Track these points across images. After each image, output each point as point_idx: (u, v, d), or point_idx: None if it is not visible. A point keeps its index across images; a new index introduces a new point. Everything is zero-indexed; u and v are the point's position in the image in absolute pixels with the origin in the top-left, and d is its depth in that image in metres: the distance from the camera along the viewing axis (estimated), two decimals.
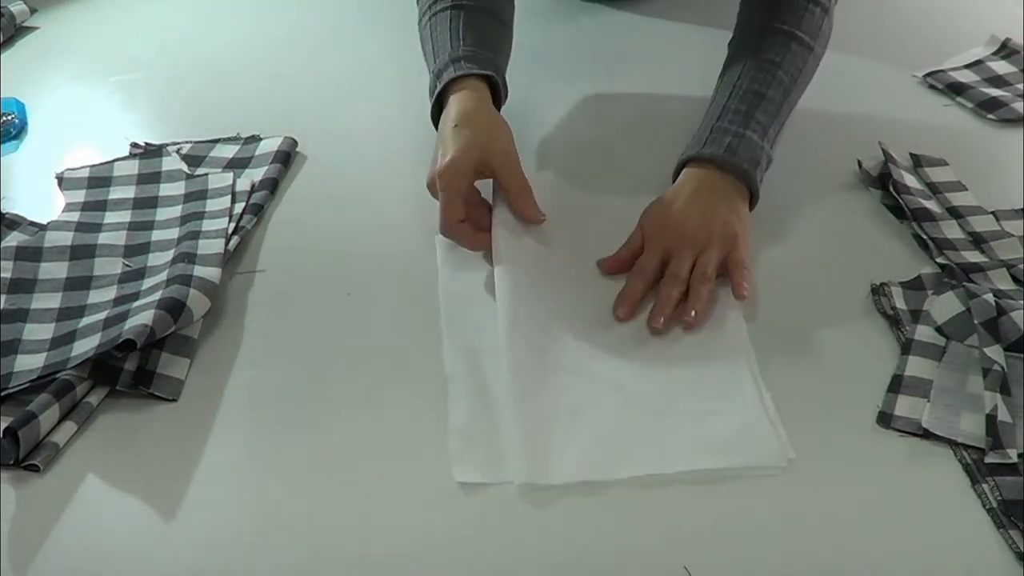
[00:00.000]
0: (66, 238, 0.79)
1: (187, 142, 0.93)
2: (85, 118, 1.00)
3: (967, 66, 1.01)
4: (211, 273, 0.73)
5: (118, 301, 0.73)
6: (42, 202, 0.86)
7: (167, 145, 0.92)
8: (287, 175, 0.90)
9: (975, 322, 0.67)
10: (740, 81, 0.82)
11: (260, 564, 0.57)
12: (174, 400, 0.67)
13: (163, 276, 0.73)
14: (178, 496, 0.61)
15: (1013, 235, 0.79)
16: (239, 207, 0.83)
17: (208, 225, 0.80)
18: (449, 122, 0.76)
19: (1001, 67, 1.01)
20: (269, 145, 0.91)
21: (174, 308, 0.68)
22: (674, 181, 0.79)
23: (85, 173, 0.89)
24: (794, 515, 0.59)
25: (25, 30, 1.15)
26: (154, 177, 0.87)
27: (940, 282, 0.72)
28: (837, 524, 0.58)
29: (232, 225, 0.80)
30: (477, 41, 0.83)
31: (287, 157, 0.91)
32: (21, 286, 0.75)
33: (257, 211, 0.84)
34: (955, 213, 0.82)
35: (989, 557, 0.56)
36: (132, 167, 0.89)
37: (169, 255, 0.77)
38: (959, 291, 0.69)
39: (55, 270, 0.76)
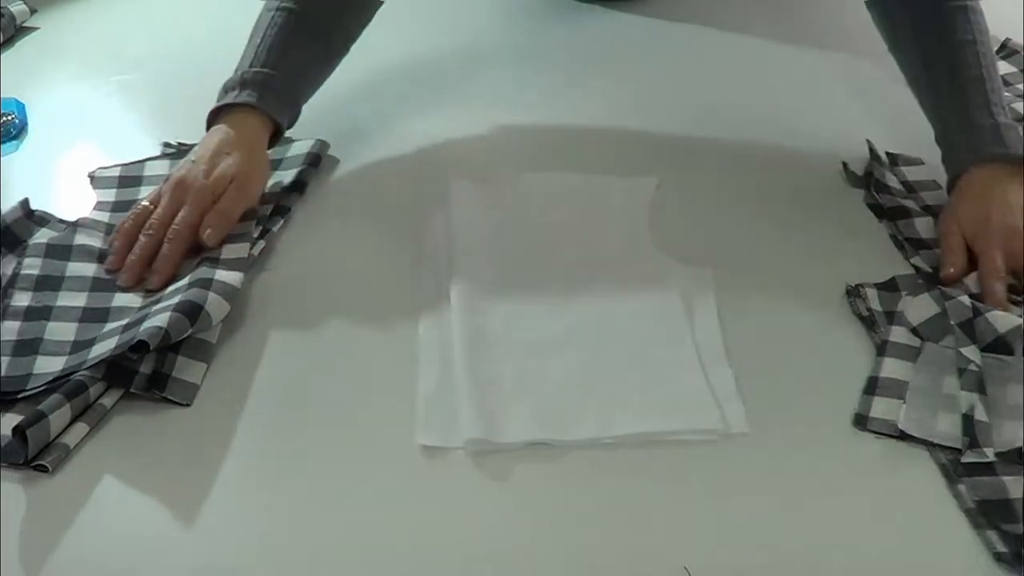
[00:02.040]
0: (95, 239, 0.79)
1: None
2: (85, 118, 1.00)
3: None
4: (233, 277, 0.73)
5: (143, 307, 0.72)
6: (42, 202, 0.86)
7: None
8: (316, 177, 0.89)
9: (951, 323, 0.68)
10: (956, 70, 0.82)
11: (276, 569, 0.57)
12: (187, 405, 0.67)
13: (185, 280, 0.73)
14: (193, 502, 0.60)
15: None
16: (267, 209, 0.83)
17: (235, 228, 0.79)
18: (224, 143, 0.79)
19: (1001, 67, 1.00)
20: (301, 147, 0.90)
21: (192, 311, 0.68)
22: (949, 190, 0.81)
23: (116, 172, 0.88)
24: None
25: (25, 30, 1.14)
26: None
27: (914, 284, 0.73)
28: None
29: (259, 229, 0.80)
30: (275, 62, 0.84)
31: (318, 159, 0.90)
32: (48, 283, 0.74)
33: (285, 213, 0.83)
34: (930, 212, 0.83)
35: (966, 558, 0.57)
36: (163, 167, 0.88)
37: (195, 258, 0.77)
38: (934, 293, 0.70)
39: (83, 269, 0.76)
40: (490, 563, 0.57)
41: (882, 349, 0.69)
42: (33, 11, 1.16)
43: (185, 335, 0.68)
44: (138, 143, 0.95)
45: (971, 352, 0.66)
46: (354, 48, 0.89)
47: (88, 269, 0.76)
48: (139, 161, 0.90)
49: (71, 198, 0.88)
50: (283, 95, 0.84)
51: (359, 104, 1.00)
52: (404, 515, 0.60)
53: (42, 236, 0.79)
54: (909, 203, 0.83)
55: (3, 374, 0.66)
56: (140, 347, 0.65)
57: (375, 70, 1.06)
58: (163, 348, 0.67)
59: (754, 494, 0.61)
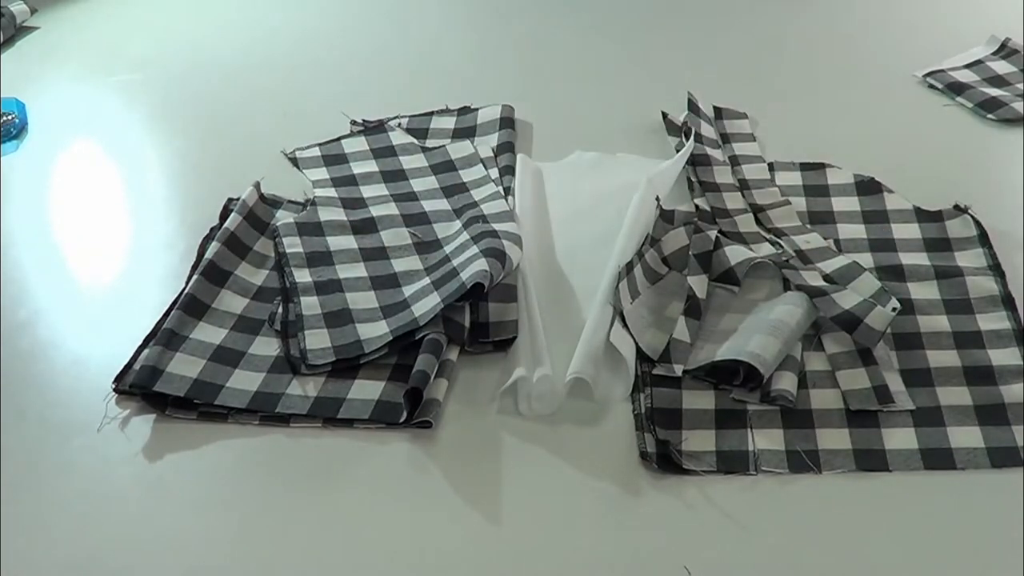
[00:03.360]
0: (340, 214, 0.79)
1: (403, 116, 0.94)
2: (85, 118, 1.00)
3: (967, 66, 1.01)
4: (511, 226, 0.75)
5: (431, 269, 0.73)
6: (42, 201, 0.87)
7: (387, 120, 0.93)
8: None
9: (690, 254, 0.72)
10: None
11: None
12: (514, 338, 0.68)
13: (465, 237, 0.74)
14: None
15: (776, 185, 0.83)
16: (494, 171, 0.85)
17: (479, 193, 0.82)
18: None
19: (1001, 67, 1.01)
20: (489, 114, 0.93)
21: (499, 256, 0.69)
22: None
23: (316, 152, 0.90)
24: None
25: (25, 30, 1.15)
26: (388, 151, 0.89)
27: (687, 219, 0.76)
28: None
29: (500, 188, 0.82)
30: None
31: (512, 123, 0.92)
32: (319, 259, 0.75)
33: (511, 171, 0.85)
34: (734, 161, 0.87)
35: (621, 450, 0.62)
36: (361, 143, 0.90)
37: (455, 224, 0.78)
38: (689, 228, 0.73)
39: (344, 243, 0.77)
40: None
41: (629, 267, 0.73)
42: (33, 11, 1.17)
43: (501, 277, 0.69)
44: (138, 142, 0.95)
45: (696, 282, 0.70)
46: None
47: (349, 242, 0.77)
48: (333, 140, 0.91)
49: (71, 197, 0.88)
50: None
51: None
52: None
53: (283, 217, 0.80)
54: (715, 152, 0.86)
55: (332, 344, 0.67)
56: (474, 291, 0.66)
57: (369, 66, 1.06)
58: (474, 300, 0.68)
59: None
